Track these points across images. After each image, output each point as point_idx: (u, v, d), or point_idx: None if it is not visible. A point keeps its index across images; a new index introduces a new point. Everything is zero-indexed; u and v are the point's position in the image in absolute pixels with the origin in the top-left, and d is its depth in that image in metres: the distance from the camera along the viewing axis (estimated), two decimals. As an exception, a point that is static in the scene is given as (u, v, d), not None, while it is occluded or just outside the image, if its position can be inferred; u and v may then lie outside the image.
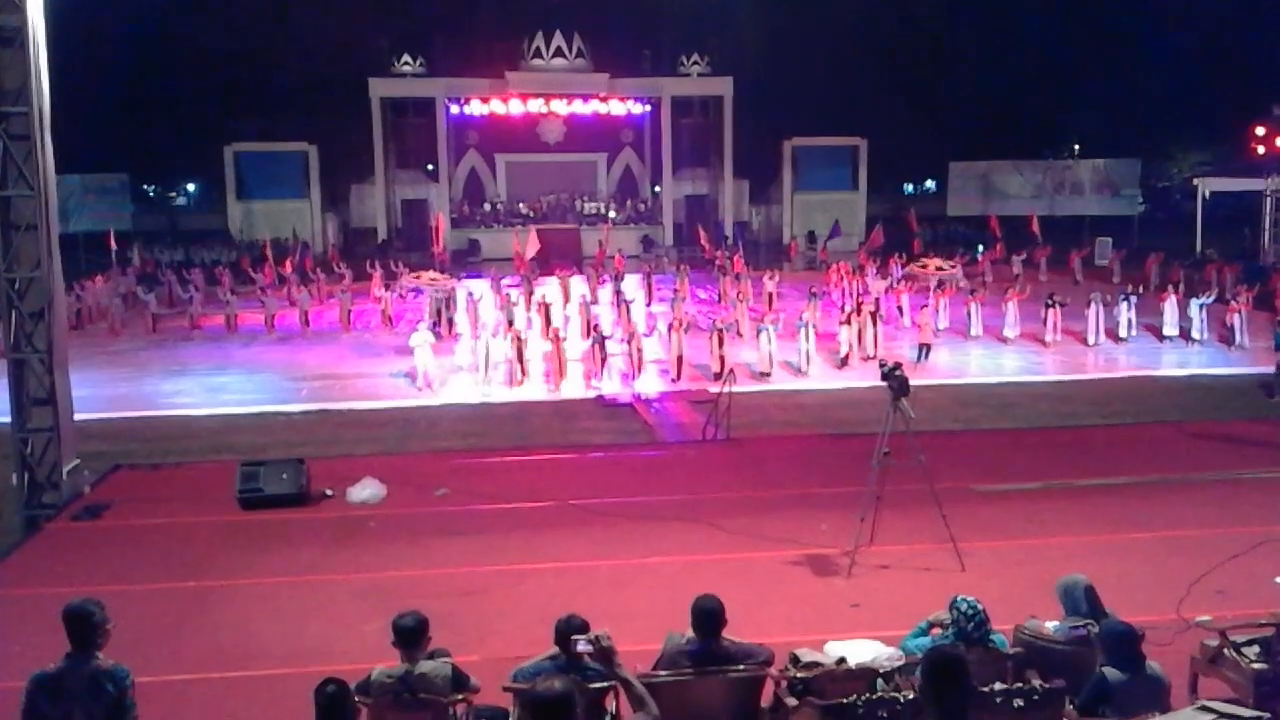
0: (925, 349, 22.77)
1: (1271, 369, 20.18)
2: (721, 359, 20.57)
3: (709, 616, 6.26)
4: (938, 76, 52.05)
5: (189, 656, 8.82)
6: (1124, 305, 24.74)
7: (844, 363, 22.20)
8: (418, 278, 29.27)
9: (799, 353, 21.74)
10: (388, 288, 29.74)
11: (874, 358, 22.11)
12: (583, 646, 5.38)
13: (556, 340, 21.10)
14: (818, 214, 47.81)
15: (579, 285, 31.21)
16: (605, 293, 31.17)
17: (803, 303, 25.89)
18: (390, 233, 47.81)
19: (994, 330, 25.44)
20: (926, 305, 24.69)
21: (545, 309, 25.80)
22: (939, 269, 28.31)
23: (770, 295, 29.21)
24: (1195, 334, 24.23)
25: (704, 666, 6.19)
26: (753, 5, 45.22)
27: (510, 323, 23.06)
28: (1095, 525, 11.65)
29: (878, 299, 28.15)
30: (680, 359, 21.29)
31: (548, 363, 21.08)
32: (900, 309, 27.76)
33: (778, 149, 49.99)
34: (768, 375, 21.29)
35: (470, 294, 27.69)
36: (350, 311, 28.34)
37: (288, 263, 35.37)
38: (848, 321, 22.76)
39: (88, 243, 38.05)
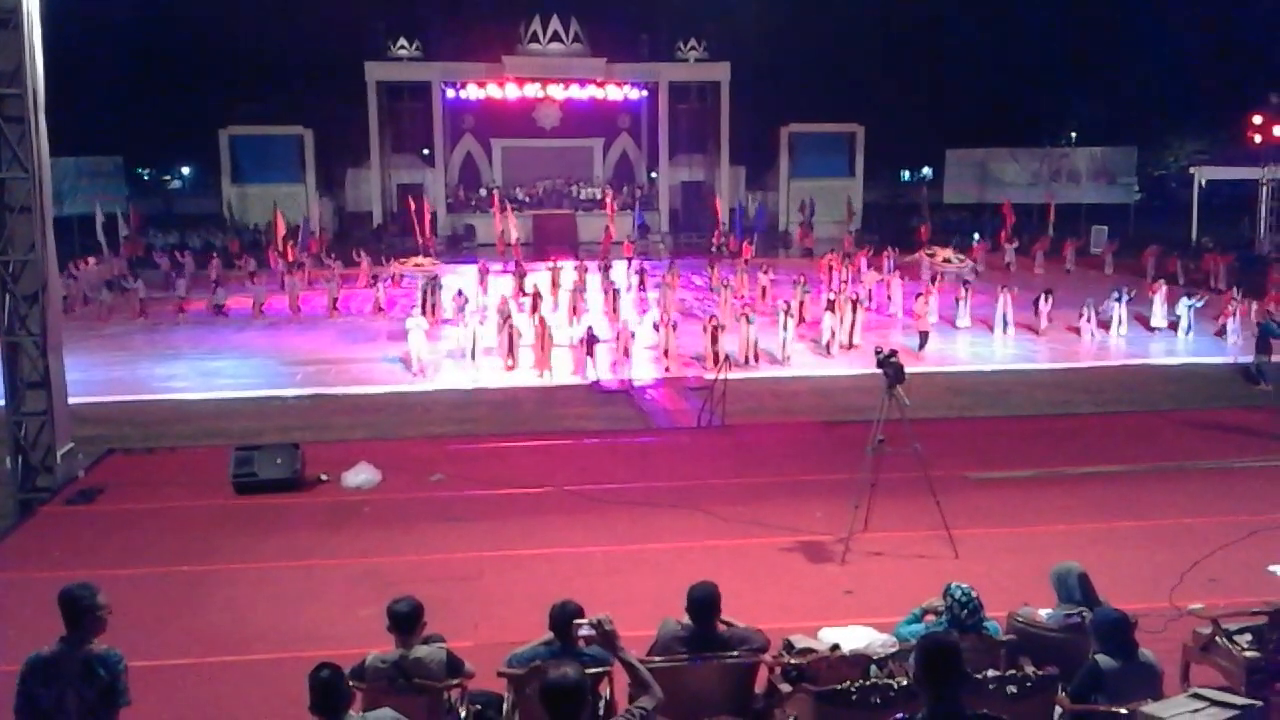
0: (924, 337, 22.75)
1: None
2: (716, 355, 20.32)
3: (704, 604, 6.28)
4: (935, 64, 51.92)
5: (183, 641, 8.82)
6: (1116, 306, 24.53)
7: (826, 349, 22.15)
8: (403, 264, 28.92)
9: (778, 341, 21.66)
10: (375, 278, 29.53)
11: (854, 346, 22.15)
12: (586, 631, 5.39)
13: (543, 328, 20.98)
14: (815, 200, 47.77)
15: (570, 272, 30.88)
16: (595, 279, 30.91)
17: (790, 291, 25.72)
18: (385, 217, 47.69)
19: (984, 320, 25.37)
20: (921, 294, 24.63)
21: (535, 297, 25.53)
22: (947, 261, 28.16)
23: (764, 288, 29.13)
24: (1182, 333, 24.17)
25: (699, 652, 6.21)
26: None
27: (507, 317, 22.80)
28: (1089, 513, 11.69)
29: (870, 290, 28.09)
30: (667, 352, 21.15)
31: (534, 350, 21.01)
32: (890, 298, 27.75)
33: (774, 135, 49.90)
34: (748, 364, 21.09)
35: (460, 291, 27.36)
36: (337, 300, 28.30)
37: (288, 248, 35.16)
38: (830, 309, 22.69)
39: (81, 226, 37.84)
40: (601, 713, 5.95)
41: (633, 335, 21.39)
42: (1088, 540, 10.48)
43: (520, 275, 30.24)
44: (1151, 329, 24.71)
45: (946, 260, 28.57)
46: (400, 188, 49.08)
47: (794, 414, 17.56)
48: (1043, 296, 24.65)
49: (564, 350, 21.77)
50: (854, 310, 23.03)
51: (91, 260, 32.80)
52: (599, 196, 48.40)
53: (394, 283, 30.37)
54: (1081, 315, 24.29)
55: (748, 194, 51.05)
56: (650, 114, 50.69)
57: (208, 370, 21.45)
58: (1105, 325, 24.41)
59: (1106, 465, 13.54)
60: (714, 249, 39.68)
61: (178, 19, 46.31)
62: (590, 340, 20.63)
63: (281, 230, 36.42)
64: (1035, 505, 12.06)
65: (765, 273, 29.90)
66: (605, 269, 31.82)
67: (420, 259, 29.27)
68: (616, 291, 27.00)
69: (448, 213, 48.18)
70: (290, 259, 34.10)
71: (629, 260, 34.75)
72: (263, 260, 33.75)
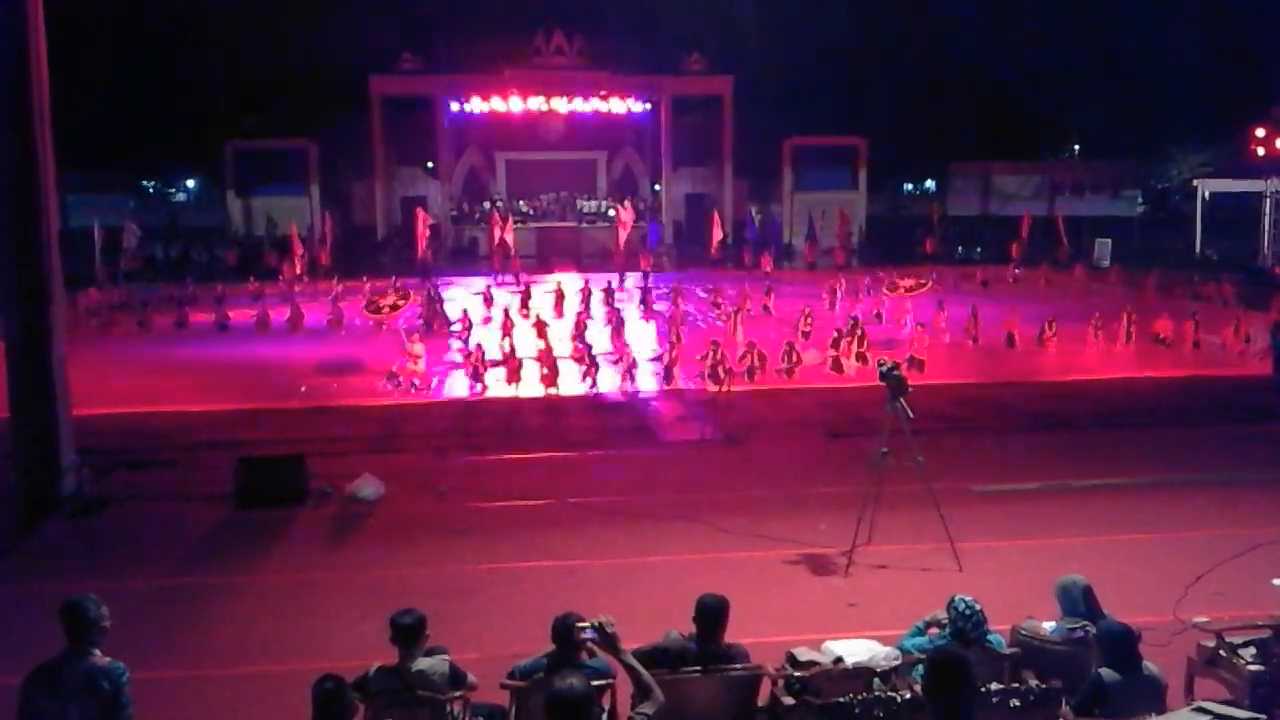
0: (919, 363, 22.47)
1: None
2: (718, 374, 20.13)
3: (713, 614, 6.29)
4: (938, 76, 52.12)
5: (186, 653, 8.82)
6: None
7: (838, 369, 21.98)
8: (378, 306, 25.94)
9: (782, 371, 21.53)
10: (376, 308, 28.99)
11: (864, 361, 21.98)
12: (588, 634, 5.39)
13: (551, 364, 20.87)
14: (818, 214, 47.87)
15: (573, 290, 30.52)
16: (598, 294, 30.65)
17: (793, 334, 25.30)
18: (390, 230, 47.80)
19: (991, 332, 25.33)
20: (922, 323, 24.61)
21: (541, 326, 24.99)
22: (909, 289, 28.10)
23: (766, 306, 29.08)
24: (1190, 346, 24.23)
25: (701, 665, 6.21)
26: (753, 4, 45.28)
27: (507, 330, 22.57)
28: (1093, 526, 11.67)
29: (879, 313, 27.99)
30: (671, 373, 20.96)
31: (542, 376, 20.93)
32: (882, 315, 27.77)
33: (777, 148, 49.99)
34: (752, 378, 20.89)
35: (465, 312, 27.11)
36: (341, 313, 28.19)
37: (297, 260, 35.07)
38: (835, 345, 22.50)
39: (86, 240, 37.81)
40: (605, 724, 5.96)
41: (635, 362, 21.28)
42: (1092, 553, 10.45)
43: (524, 295, 29.99)
44: (1158, 340, 24.73)
45: (909, 289, 28.29)
46: (404, 200, 49.24)
47: (797, 426, 17.54)
48: (1048, 327, 24.62)
49: (568, 363, 21.75)
50: (861, 337, 22.70)
51: (94, 291, 32.78)
52: (603, 209, 48.44)
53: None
54: (1090, 329, 24.32)
55: (751, 207, 51.17)
56: (654, 127, 50.83)
57: (211, 383, 21.45)
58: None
59: (1111, 478, 13.52)
60: (718, 262, 39.63)
61: (183, 32, 46.59)
62: (592, 363, 20.61)
63: (298, 248, 35.67)
64: (1039, 518, 12.03)
65: (768, 294, 29.84)
66: (610, 290, 30.77)
67: (395, 298, 27.01)
68: (622, 320, 26.59)
69: (452, 225, 48.30)
70: (299, 271, 34.13)
71: (645, 274, 34.74)
72: (265, 272, 33.78)
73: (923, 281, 28.02)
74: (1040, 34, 53.28)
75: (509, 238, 37.36)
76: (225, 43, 46.41)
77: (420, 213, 38.46)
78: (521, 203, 49.92)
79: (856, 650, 6.65)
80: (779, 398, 19.89)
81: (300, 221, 44.10)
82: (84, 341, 24.70)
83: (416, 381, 20.63)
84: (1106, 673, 5.88)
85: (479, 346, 21.61)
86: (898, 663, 6.46)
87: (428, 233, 37.34)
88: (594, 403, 19.70)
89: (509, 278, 34.38)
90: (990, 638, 6.52)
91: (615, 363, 21.50)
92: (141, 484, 14.00)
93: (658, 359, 21.99)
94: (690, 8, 45.94)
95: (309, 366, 23.00)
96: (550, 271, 38.44)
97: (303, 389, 20.74)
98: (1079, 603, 6.81)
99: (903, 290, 27.89)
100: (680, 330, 23.61)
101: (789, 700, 6.15)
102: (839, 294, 30.62)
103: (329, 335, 27.13)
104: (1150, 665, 6.03)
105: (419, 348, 21.38)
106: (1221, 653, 6.92)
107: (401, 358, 21.07)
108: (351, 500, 12.96)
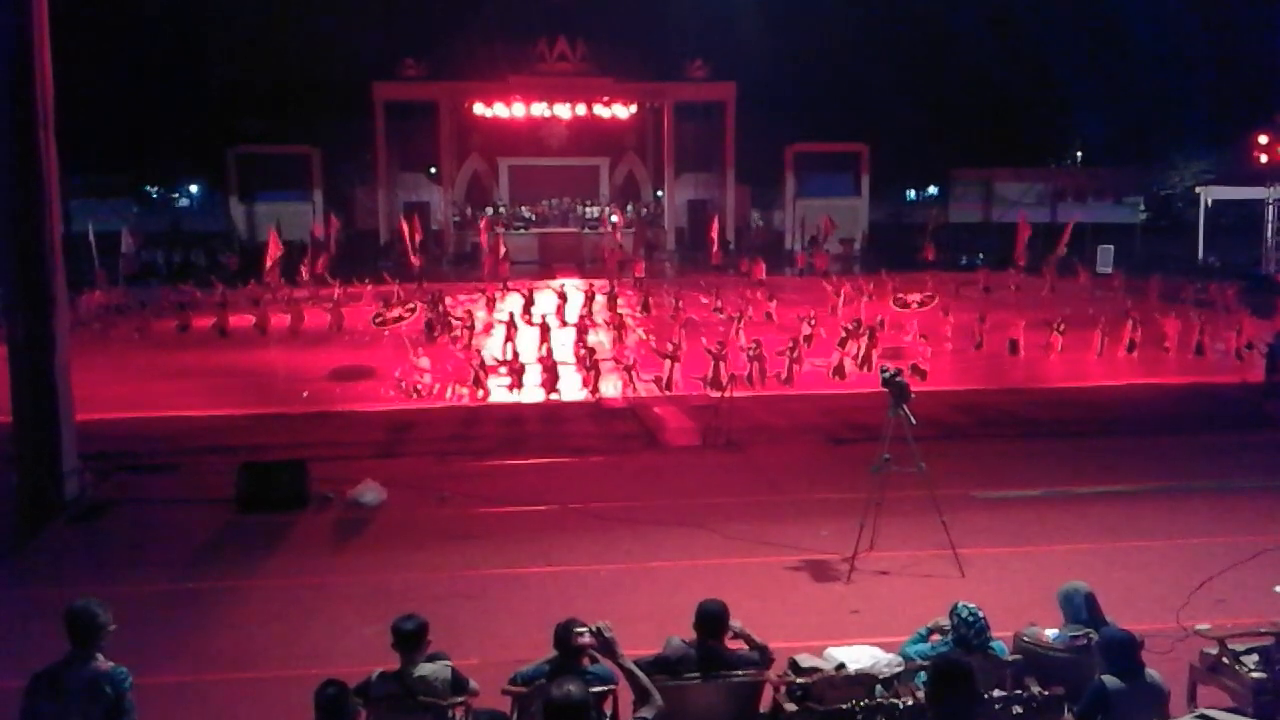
0: (922, 371, 22.44)
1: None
2: (719, 377, 20.07)
3: (712, 620, 6.30)
4: (940, 84, 52.16)
5: (188, 658, 8.82)
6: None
7: (840, 374, 21.93)
8: (387, 316, 24.75)
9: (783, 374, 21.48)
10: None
11: (869, 367, 21.93)
12: (586, 639, 5.40)
13: (551, 368, 20.83)
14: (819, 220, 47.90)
15: (575, 294, 30.54)
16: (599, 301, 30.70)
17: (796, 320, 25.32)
18: (392, 236, 47.80)
19: (996, 339, 25.32)
20: (925, 335, 24.64)
21: (544, 330, 24.96)
22: (920, 305, 28.10)
23: (769, 313, 29.09)
24: (1193, 353, 24.22)
25: (703, 671, 6.21)
26: (756, 11, 45.35)
27: (510, 335, 22.58)
28: (1096, 533, 11.67)
29: (883, 320, 28.00)
30: (671, 381, 20.90)
31: (543, 379, 20.90)
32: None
33: (780, 154, 50.03)
34: (752, 384, 20.87)
35: (469, 312, 27.03)
36: (341, 321, 28.15)
37: (303, 267, 34.98)
38: (843, 345, 22.46)
39: (86, 243, 37.80)
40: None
41: (634, 361, 21.27)
42: (1094, 560, 10.46)
43: (526, 300, 30.04)
44: (1164, 349, 24.72)
45: (920, 304, 28.27)
46: (407, 206, 49.28)
47: (799, 432, 17.52)
48: (1056, 328, 24.64)
49: (569, 367, 21.77)
50: (870, 339, 22.70)
51: (99, 294, 32.77)
52: (605, 214, 48.45)
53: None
54: (1096, 336, 24.34)
55: (753, 213, 51.23)
56: (656, 133, 50.89)
57: (214, 387, 21.44)
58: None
59: (1114, 485, 13.51)
60: (719, 268, 39.70)
61: (186, 37, 46.66)
62: (593, 368, 20.62)
63: (277, 250, 35.30)
64: (1042, 525, 12.03)
65: (771, 300, 29.84)
66: (612, 295, 31.00)
67: (400, 311, 26.92)
68: (624, 326, 26.55)
69: (455, 231, 48.35)
70: (306, 277, 34.13)
71: (639, 279, 34.78)
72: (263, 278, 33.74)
73: (930, 296, 28.04)
74: (1043, 41, 53.30)
75: (500, 244, 37.38)
76: (228, 48, 46.49)
77: (404, 219, 37.81)
78: (524, 208, 49.96)
79: (859, 657, 6.65)
80: (780, 404, 19.87)
81: (304, 227, 44.10)
82: (86, 346, 24.69)
83: (419, 389, 20.62)
84: (1109, 680, 5.87)
85: (478, 351, 21.63)
86: (900, 669, 6.46)
87: (419, 237, 37.19)
88: (595, 408, 19.69)
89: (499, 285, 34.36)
90: (993, 644, 6.52)
91: (616, 367, 21.49)
92: (143, 488, 14.00)
93: (661, 353, 21.92)
94: (693, 14, 46.02)
95: (310, 371, 23.00)
96: (552, 277, 38.48)
97: (304, 394, 20.75)
98: (1081, 609, 6.81)
99: (914, 306, 27.93)
100: (681, 335, 23.63)
101: (791, 707, 6.16)
102: (841, 298, 30.62)
103: (330, 340, 27.12)
104: (1153, 672, 6.02)
105: (425, 361, 21.39)
106: (1224, 660, 6.91)
107: (406, 367, 21.08)
108: (353, 505, 12.97)
